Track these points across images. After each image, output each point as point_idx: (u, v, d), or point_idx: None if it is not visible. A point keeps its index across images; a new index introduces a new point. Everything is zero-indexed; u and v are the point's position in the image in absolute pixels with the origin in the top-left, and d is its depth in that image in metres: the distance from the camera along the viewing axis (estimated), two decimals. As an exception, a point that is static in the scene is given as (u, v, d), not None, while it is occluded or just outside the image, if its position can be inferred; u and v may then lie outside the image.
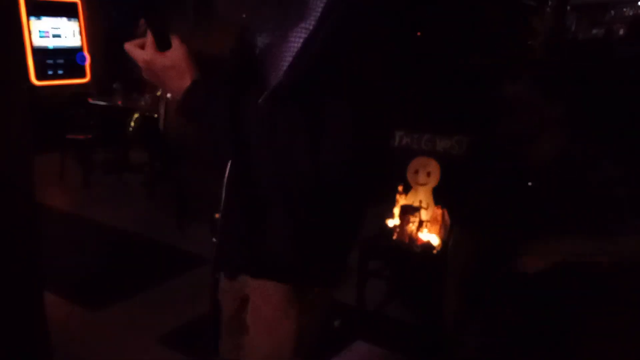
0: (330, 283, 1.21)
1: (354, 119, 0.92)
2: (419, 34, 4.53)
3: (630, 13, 9.12)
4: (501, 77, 3.21)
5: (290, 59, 0.96)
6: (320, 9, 0.96)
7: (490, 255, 1.90)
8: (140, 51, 1.04)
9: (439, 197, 2.79)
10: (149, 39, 1.03)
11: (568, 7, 8.42)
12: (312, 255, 1.14)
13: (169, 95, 1.11)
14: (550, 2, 8.34)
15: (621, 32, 8.77)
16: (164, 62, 1.03)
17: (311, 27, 0.95)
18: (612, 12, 9.25)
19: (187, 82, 1.02)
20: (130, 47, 1.06)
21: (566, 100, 1.69)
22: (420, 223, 2.70)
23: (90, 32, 7.08)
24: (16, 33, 2.06)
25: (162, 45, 1.03)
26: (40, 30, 6.54)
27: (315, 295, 1.19)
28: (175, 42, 1.03)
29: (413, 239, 2.65)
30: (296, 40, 0.97)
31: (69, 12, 6.84)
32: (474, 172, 2.11)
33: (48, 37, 6.64)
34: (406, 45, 1.06)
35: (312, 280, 1.18)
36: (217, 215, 1.24)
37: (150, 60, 1.03)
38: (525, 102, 1.72)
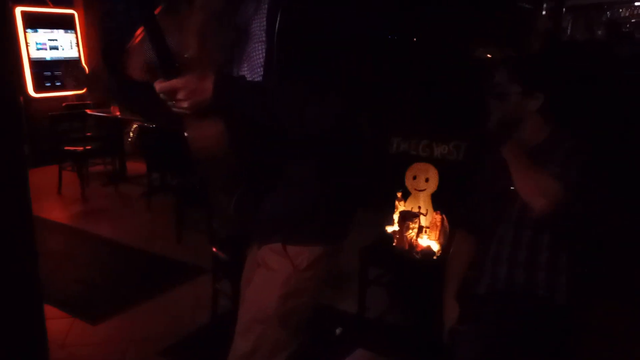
0: (341, 239, 1.40)
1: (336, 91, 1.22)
2: (414, 39, 4.55)
3: (627, 14, 9.14)
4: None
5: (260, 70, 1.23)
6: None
7: (491, 264, 1.88)
8: (179, 80, 1.15)
9: (438, 202, 2.78)
10: (184, 81, 1.15)
11: (564, 9, 8.44)
12: (330, 213, 1.34)
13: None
14: (545, 4, 8.36)
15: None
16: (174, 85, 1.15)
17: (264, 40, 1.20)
18: (608, 13, 9.27)
19: (208, 82, 1.15)
20: (161, 86, 1.17)
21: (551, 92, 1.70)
22: (420, 229, 2.69)
23: (88, 43, 7.09)
24: (11, 45, 2.06)
25: (171, 72, 1.15)
26: (37, 42, 6.55)
27: (317, 260, 1.35)
28: (184, 68, 1.16)
29: (413, 245, 2.63)
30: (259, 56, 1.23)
31: (66, 24, 6.86)
32: (471, 177, 2.10)
33: (45, 49, 6.65)
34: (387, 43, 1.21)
35: (327, 238, 1.36)
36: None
37: (192, 86, 1.15)
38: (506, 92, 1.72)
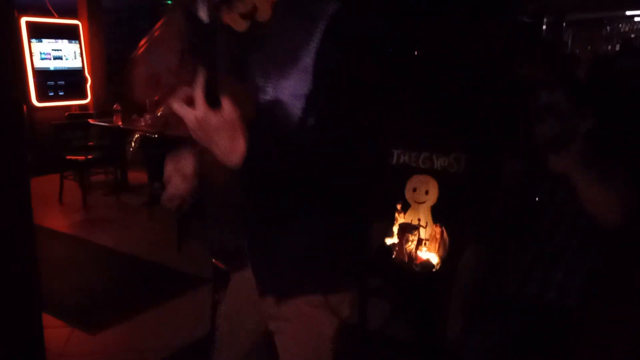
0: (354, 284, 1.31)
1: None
2: (416, 52, 4.57)
3: (626, 29, 9.19)
4: (499, 94, 3.22)
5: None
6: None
7: (502, 275, 1.89)
8: (190, 109, 0.95)
9: (438, 215, 2.78)
10: (199, 94, 0.94)
11: (564, 24, 8.50)
12: (347, 258, 1.25)
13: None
14: (546, 19, 8.42)
15: (617, 47, 8.84)
16: (218, 121, 0.95)
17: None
18: (608, 28, 9.32)
19: (240, 144, 0.98)
20: (178, 104, 0.97)
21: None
22: (419, 241, 2.69)
23: (92, 53, 7.15)
24: (16, 55, 2.08)
25: (211, 102, 0.95)
26: (42, 52, 6.61)
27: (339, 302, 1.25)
28: (226, 100, 0.95)
29: (412, 258, 2.63)
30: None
31: (70, 34, 6.92)
32: (478, 189, 2.11)
33: (49, 58, 6.70)
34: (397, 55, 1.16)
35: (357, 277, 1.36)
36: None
37: (203, 118, 0.94)
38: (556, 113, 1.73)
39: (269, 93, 1.11)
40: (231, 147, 0.97)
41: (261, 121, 1.09)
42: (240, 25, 1.10)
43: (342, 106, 1.09)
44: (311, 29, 1.06)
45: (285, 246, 1.19)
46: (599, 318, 1.97)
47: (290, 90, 1.08)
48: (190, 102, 0.95)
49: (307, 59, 1.06)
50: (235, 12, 1.08)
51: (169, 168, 1.24)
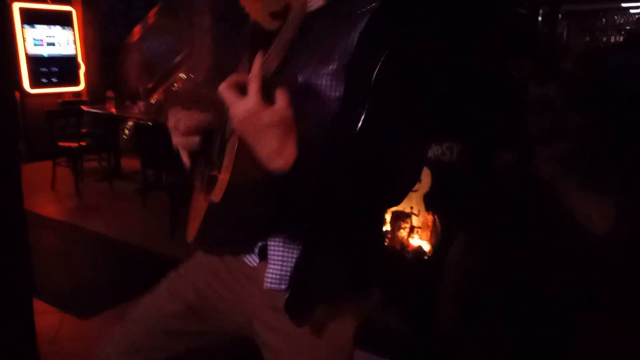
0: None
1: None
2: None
3: (622, 21, 9.19)
4: (493, 85, 3.22)
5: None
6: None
7: (495, 265, 1.90)
8: (241, 98, 0.81)
9: (430, 203, 2.79)
10: (255, 83, 0.80)
11: (559, 15, 8.49)
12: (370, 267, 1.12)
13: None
14: (541, 10, 8.40)
15: (612, 39, 8.82)
16: (271, 118, 0.80)
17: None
18: (604, 19, 9.32)
19: (290, 147, 0.82)
20: (228, 91, 0.82)
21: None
22: (412, 229, 2.70)
23: (85, 40, 7.10)
24: (9, 41, 2.06)
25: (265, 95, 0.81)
26: (35, 38, 6.55)
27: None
28: (282, 96, 0.80)
29: (404, 245, 2.65)
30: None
31: (64, 20, 6.86)
32: (469, 179, 2.12)
33: (42, 45, 6.65)
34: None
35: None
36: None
37: (255, 112, 0.80)
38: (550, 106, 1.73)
39: (311, 95, 0.95)
40: (279, 149, 0.82)
41: (314, 125, 0.91)
42: (270, 24, 1.00)
43: (390, 111, 0.90)
44: (349, 27, 0.92)
45: (325, 266, 1.02)
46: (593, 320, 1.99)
47: (332, 93, 0.93)
48: (241, 90, 0.82)
49: (345, 60, 0.92)
50: (265, 11, 0.99)
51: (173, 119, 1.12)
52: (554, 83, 1.75)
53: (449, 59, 0.94)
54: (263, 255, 1.08)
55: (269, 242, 1.07)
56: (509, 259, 1.87)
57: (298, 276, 1.01)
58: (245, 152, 0.86)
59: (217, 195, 0.94)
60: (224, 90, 0.83)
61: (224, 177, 0.94)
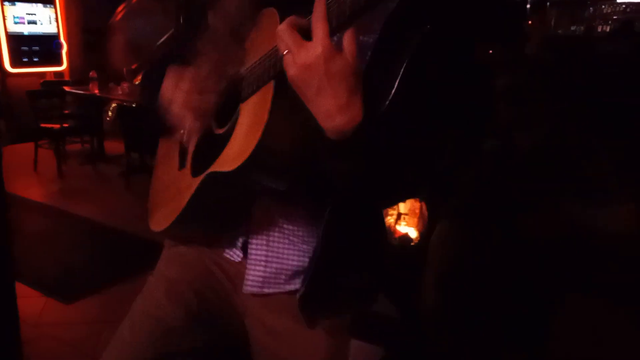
0: None
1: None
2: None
3: (609, 10, 9.24)
4: (482, 71, 3.22)
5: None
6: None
7: (476, 251, 1.91)
8: (306, 42, 0.70)
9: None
10: (322, 24, 0.69)
11: (548, 3, 8.51)
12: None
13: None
14: (530, -2, 8.41)
15: (600, 29, 8.89)
16: (343, 65, 0.69)
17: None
18: (591, 9, 9.36)
19: (357, 104, 0.72)
20: (288, 32, 0.72)
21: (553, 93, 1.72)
22: (399, 216, 2.70)
23: (67, 19, 6.95)
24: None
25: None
26: (15, 16, 6.39)
27: None
28: (351, 43, 0.70)
29: (391, 231, 2.65)
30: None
31: (45, -3, 6.71)
32: (452, 165, 2.12)
33: (23, 23, 6.49)
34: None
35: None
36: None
37: (326, 57, 0.69)
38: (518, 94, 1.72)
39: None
40: (347, 104, 0.71)
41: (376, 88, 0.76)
42: None
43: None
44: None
45: (344, 261, 0.95)
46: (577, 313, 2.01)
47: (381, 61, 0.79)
48: (303, 34, 0.71)
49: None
50: None
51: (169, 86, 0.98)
52: (523, 69, 1.75)
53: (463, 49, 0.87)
54: (246, 251, 1.00)
55: (251, 239, 0.99)
56: (489, 245, 1.88)
57: (316, 273, 0.92)
58: (288, 109, 0.75)
59: (227, 165, 0.84)
60: (284, 31, 0.72)
61: (238, 144, 0.84)
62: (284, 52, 0.72)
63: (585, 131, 1.91)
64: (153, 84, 1.05)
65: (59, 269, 3.28)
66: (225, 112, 0.94)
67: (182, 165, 1.09)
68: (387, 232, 1.13)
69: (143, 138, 4.37)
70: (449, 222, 2.13)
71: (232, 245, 1.03)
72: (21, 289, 2.25)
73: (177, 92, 0.96)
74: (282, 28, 0.72)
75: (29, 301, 2.78)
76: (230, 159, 0.84)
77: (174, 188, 1.09)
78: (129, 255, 3.54)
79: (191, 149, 1.05)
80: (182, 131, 1.03)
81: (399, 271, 2.79)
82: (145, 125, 1.07)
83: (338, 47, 0.69)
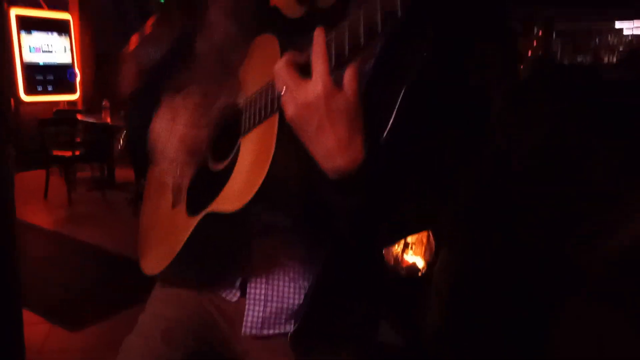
0: None
1: None
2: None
3: (615, 41, 9.31)
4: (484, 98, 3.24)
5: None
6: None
7: (476, 277, 1.90)
8: (305, 80, 0.68)
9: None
10: (322, 62, 0.67)
11: (554, 33, 8.59)
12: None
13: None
14: (536, 28, 8.50)
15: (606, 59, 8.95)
16: (343, 104, 0.67)
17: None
18: (597, 39, 9.43)
19: (358, 142, 0.69)
20: (285, 70, 0.70)
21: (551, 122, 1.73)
22: (406, 245, 2.69)
23: (81, 48, 7.09)
24: (4, 47, 2.05)
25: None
26: (31, 45, 6.54)
27: None
28: (352, 80, 0.67)
29: (398, 261, 2.63)
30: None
31: (61, 28, 6.86)
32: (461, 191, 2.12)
33: (39, 52, 6.63)
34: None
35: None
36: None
37: (325, 95, 0.66)
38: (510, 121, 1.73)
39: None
40: (347, 143, 0.68)
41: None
42: (294, 11, 0.85)
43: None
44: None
45: (341, 298, 0.91)
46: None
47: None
48: (301, 71, 0.69)
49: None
50: None
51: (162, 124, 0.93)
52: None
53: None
54: (244, 290, 0.96)
55: (249, 278, 0.95)
56: (491, 270, 1.87)
57: (310, 309, 0.89)
58: (293, 143, 0.71)
59: (230, 203, 0.80)
60: (282, 69, 0.70)
61: (241, 181, 0.80)
62: (282, 92, 0.70)
63: (587, 131, 1.92)
64: (142, 111, 0.99)
65: (65, 296, 3.28)
66: (222, 146, 0.91)
67: (175, 203, 1.02)
68: (386, 264, 1.09)
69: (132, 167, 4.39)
70: (451, 248, 2.12)
71: (229, 284, 0.99)
72: (26, 315, 2.25)
73: (172, 125, 0.91)
74: (280, 66, 0.70)
75: (34, 328, 2.78)
76: (233, 197, 0.81)
77: (167, 228, 1.04)
78: (136, 283, 3.52)
79: (185, 185, 0.99)
80: (175, 165, 0.96)
81: (407, 301, 2.77)
82: (132, 155, 1.02)
83: (338, 84, 0.67)
